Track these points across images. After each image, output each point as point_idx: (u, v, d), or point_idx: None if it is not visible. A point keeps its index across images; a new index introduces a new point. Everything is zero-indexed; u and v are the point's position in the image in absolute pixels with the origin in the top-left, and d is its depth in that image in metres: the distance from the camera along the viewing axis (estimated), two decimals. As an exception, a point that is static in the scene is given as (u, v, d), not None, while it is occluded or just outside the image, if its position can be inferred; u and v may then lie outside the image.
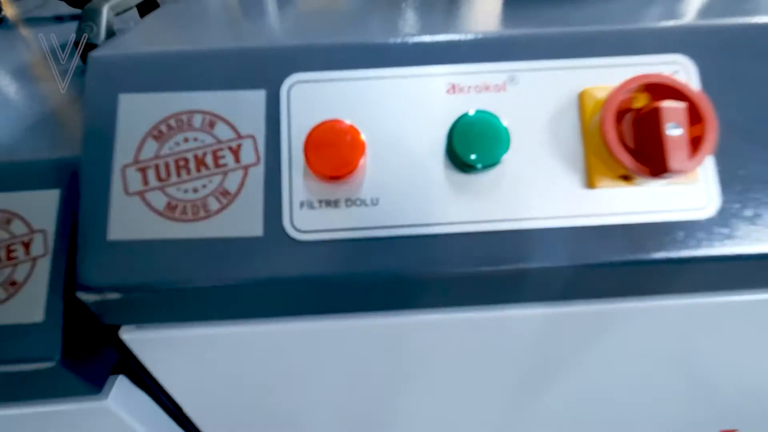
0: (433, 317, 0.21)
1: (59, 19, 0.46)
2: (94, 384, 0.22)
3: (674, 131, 0.16)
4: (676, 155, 0.16)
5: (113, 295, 0.18)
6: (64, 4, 0.45)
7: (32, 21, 0.45)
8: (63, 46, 0.38)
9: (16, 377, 0.21)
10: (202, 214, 0.18)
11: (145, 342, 0.21)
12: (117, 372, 0.25)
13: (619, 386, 0.27)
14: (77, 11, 0.46)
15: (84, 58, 0.31)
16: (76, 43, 0.30)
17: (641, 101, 0.18)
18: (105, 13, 0.31)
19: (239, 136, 0.19)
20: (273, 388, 0.25)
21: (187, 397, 0.26)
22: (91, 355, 0.22)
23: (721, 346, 0.24)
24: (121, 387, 0.25)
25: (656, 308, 0.21)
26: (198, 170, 0.18)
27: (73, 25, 0.43)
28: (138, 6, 0.38)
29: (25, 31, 0.42)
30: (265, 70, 0.19)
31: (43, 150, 0.24)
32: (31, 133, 0.25)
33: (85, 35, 0.30)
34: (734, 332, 0.23)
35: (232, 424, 0.29)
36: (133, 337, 0.21)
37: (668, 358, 0.25)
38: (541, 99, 0.19)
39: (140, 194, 0.18)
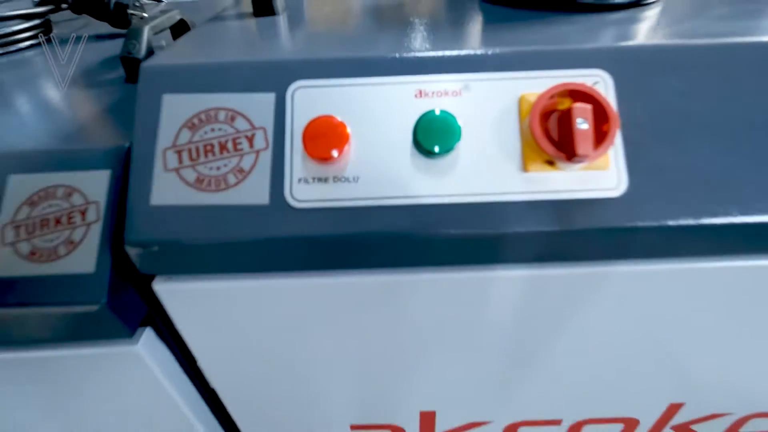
0: (407, 276, 0.26)
1: (100, 37, 0.53)
2: (129, 328, 0.27)
3: (582, 125, 0.21)
4: (583, 144, 0.21)
5: (152, 248, 0.24)
6: (104, 24, 0.52)
7: (77, 39, 0.52)
8: (105, 60, 0.44)
9: (69, 318, 0.26)
10: (222, 186, 0.23)
11: (172, 292, 0.26)
12: (144, 325, 0.30)
13: (562, 356, 0.31)
14: (115, 30, 0.53)
15: (126, 68, 0.37)
16: (121, 57, 0.37)
17: (566, 104, 0.23)
18: (146, 32, 0.37)
19: (253, 128, 0.24)
20: (280, 343, 0.30)
21: (203, 350, 0.30)
22: (127, 305, 0.27)
23: (653, 316, 0.29)
24: (148, 337, 0.30)
25: (586, 275, 0.26)
26: (221, 153, 0.24)
27: (109, 43, 0.50)
28: (171, 27, 0.45)
29: (71, 47, 0.49)
30: (275, 78, 0.24)
31: (96, 140, 0.29)
32: (85, 128, 0.31)
33: (130, 56, 0.37)
34: (663, 301, 0.28)
35: (243, 382, 0.34)
36: (163, 287, 0.26)
37: (610, 328, 0.30)
38: (489, 102, 0.24)
39: (176, 170, 0.24)
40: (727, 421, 0.38)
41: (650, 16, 0.31)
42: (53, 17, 0.55)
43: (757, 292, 0.27)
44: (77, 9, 0.52)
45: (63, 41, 0.51)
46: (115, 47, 0.48)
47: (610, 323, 0.29)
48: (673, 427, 0.39)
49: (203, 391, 0.36)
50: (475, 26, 0.31)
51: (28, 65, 0.44)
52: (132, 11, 0.50)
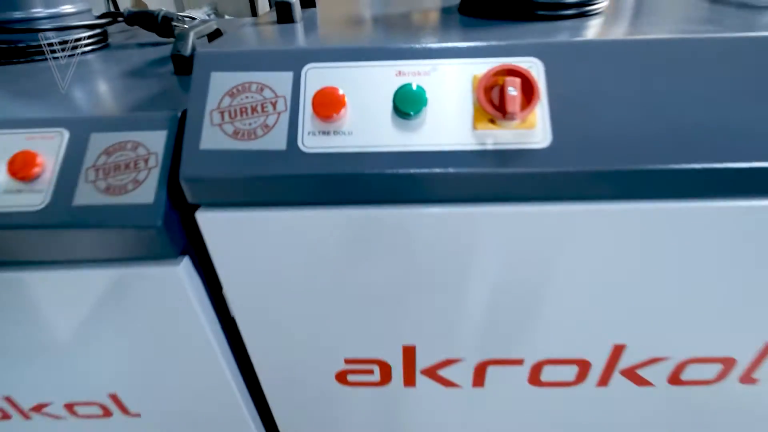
0: (389, 211, 0.34)
1: (142, 45, 0.63)
2: (174, 250, 0.36)
3: (512, 92, 0.29)
4: (512, 105, 0.29)
5: (199, 182, 0.32)
6: (150, 34, 0.62)
7: (126, 46, 0.62)
8: (155, 60, 0.54)
9: (133, 238, 0.34)
10: (252, 137, 0.32)
11: (210, 220, 0.34)
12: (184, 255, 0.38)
13: (517, 296, 0.38)
14: (159, 39, 0.64)
15: (175, 64, 0.47)
16: (172, 55, 0.46)
17: (503, 80, 0.31)
18: (191, 36, 0.47)
19: (276, 96, 0.33)
20: (292, 270, 0.38)
21: (228, 276, 0.38)
22: (174, 232, 0.35)
23: (587, 257, 0.36)
24: (187, 264, 0.38)
25: (527, 213, 0.33)
26: (252, 113, 0.33)
27: (153, 49, 0.60)
28: (207, 35, 0.54)
29: (123, 52, 0.59)
30: (293, 61, 0.33)
31: (154, 111, 0.38)
32: (146, 103, 0.40)
33: (179, 54, 0.46)
34: (592, 241, 0.35)
35: (259, 309, 0.41)
36: (204, 216, 0.34)
37: (553, 268, 0.37)
38: (450, 80, 0.32)
39: (219, 125, 0.32)
40: (668, 366, 0.44)
41: (588, 24, 0.40)
42: (109, 28, 0.66)
43: (674, 233, 0.34)
44: (131, 22, 0.63)
45: (116, 47, 0.62)
46: (158, 52, 0.58)
47: (552, 263, 0.36)
48: (621, 372, 0.45)
49: (223, 321, 0.44)
50: (449, 29, 0.40)
51: (93, 64, 0.54)
52: (175, 23, 0.60)
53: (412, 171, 0.31)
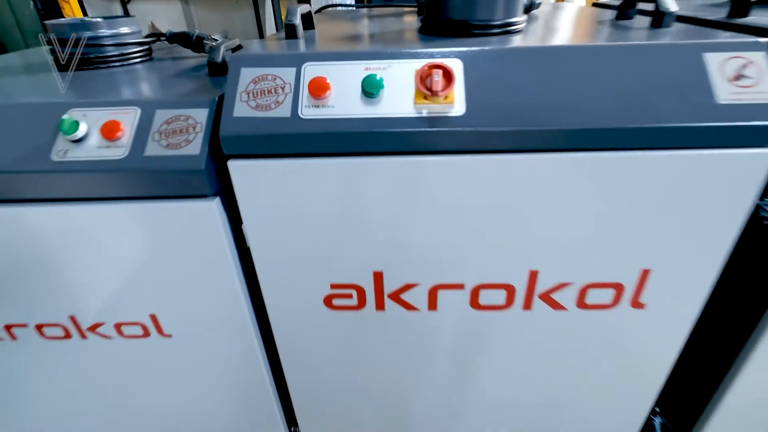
0: (360, 160, 0.49)
1: (179, 58, 0.81)
2: (211, 189, 0.51)
3: (436, 78, 0.46)
4: (435, 86, 0.45)
5: (232, 138, 0.48)
6: (186, 50, 0.80)
7: (168, 59, 0.80)
8: (193, 67, 0.71)
9: (183, 180, 0.50)
10: (268, 109, 0.48)
11: (238, 167, 0.50)
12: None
13: (452, 229, 0.53)
14: (193, 54, 0.81)
15: (210, 68, 0.64)
16: (208, 62, 0.63)
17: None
18: (222, 49, 0.64)
19: (284, 83, 0.49)
20: (300, 210, 0.53)
21: (250, 214, 0.54)
22: (211, 177, 0.51)
23: (504, 196, 0.51)
24: (218, 202, 0.53)
25: (450, 161, 0.49)
26: (268, 94, 0.49)
27: (188, 61, 0.77)
28: (232, 48, 0.72)
29: (166, 62, 0.76)
30: (296, 61, 0.50)
31: (198, 96, 0.55)
32: (192, 92, 0.56)
33: (213, 61, 0.63)
34: (503, 185, 0.50)
35: (272, 241, 0.56)
36: (234, 164, 0.50)
37: (482, 205, 0.52)
38: (400, 73, 0.49)
39: (246, 101, 0.49)
40: (573, 291, 0.59)
41: (506, 38, 0.56)
42: (154, 45, 0.83)
43: (559, 178, 0.50)
44: (171, 41, 0.80)
45: (159, 59, 0.79)
46: (193, 63, 0.75)
47: (475, 201, 0.52)
48: (539, 296, 0.60)
49: (240, 253, 0.59)
50: (407, 42, 0.57)
51: (146, 70, 0.71)
52: (206, 41, 0.78)
53: (373, 130, 0.47)
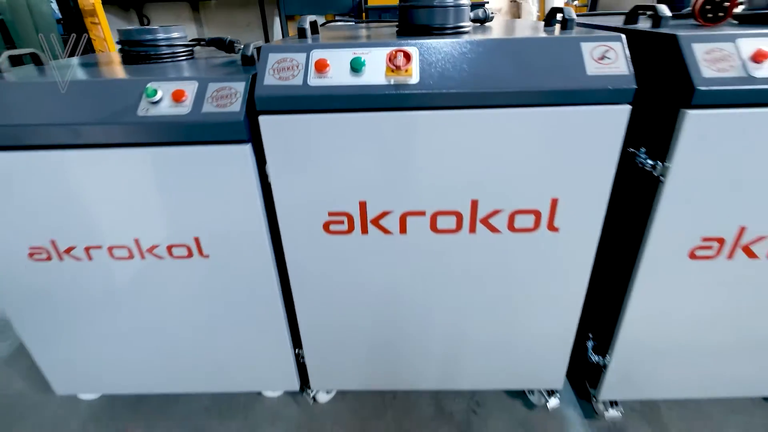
0: (352, 115, 0.72)
1: (214, 56, 1.05)
2: (247, 136, 0.74)
3: (399, 58, 0.69)
4: (399, 63, 0.69)
5: (263, 99, 0.71)
6: (216, 51, 1.04)
7: (206, 57, 1.04)
8: (226, 62, 0.95)
9: (227, 128, 0.73)
10: (287, 79, 0.72)
11: (267, 120, 0.73)
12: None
13: (416, 169, 0.76)
14: (225, 54, 1.05)
15: (243, 60, 0.88)
16: (242, 55, 0.87)
17: (392, 54, 0.71)
18: (252, 47, 0.88)
19: (298, 63, 0.73)
20: (311, 154, 0.76)
21: (274, 160, 0.76)
22: (247, 127, 0.74)
23: (450, 143, 0.74)
24: (250, 147, 0.76)
25: (408, 116, 0.72)
26: (287, 70, 0.72)
27: (222, 58, 1.02)
28: (256, 48, 0.96)
29: (205, 59, 1.00)
30: (305, 49, 0.74)
31: (236, 75, 0.78)
32: (230, 75, 0.80)
33: (245, 54, 0.87)
34: (451, 133, 0.73)
35: (286, 183, 0.78)
36: (263, 118, 0.73)
37: (430, 149, 0.75)
38: (377, 57, 0.72)
39: (272, 75, 0.72)
40: (504, 216, 0.80)
41: (456, 36, 0.80)
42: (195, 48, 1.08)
43: (484, 127, 0.72)
44: (209, 44, 1.05)
45: (199, 57, 1.03)
46: (226, 60, 0.99)
47: (428, 144, 0.74)
48: (480, 221, 0.81)
49: (264, 188, 0.81)
50: (386, 38, 0.81)
51: (191, 64, 0.95)
52: (236, 44, 1.03)
53: (357, 94, 0.70)
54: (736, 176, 0.73)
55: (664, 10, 0.82)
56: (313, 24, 0.95)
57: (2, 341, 1.42)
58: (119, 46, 0.98)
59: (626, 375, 1.00)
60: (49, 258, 0.88)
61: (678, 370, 1.00)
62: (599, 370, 1.02)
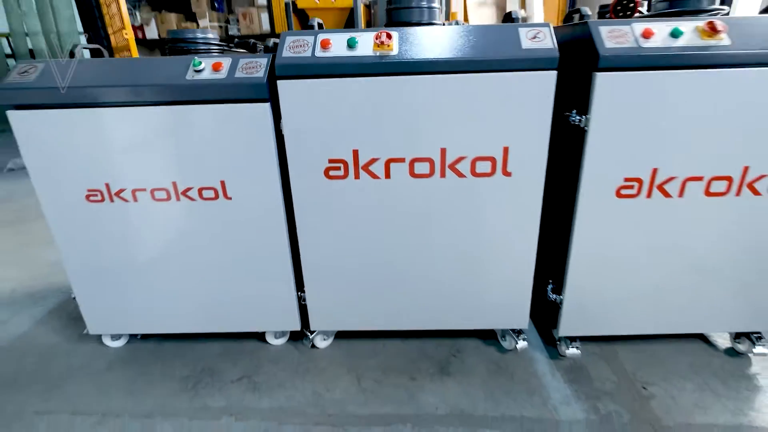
0: (350, 79, 0.96)
1: (239, 53, 1.31)
2: (267, 95, 0.97)
3: (384, 36, 0.94)
4: (383, 39, 0.93)
5: (282, 66, 0.95)
6: (239, 50, 1.31)
7: (234, 53, 1.30)
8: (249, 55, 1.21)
9: (253, 89, 0.96)
10: (300, 52, 0.96)
11: (284, 85, 0.97)
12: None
13: (400, 130, 0.99)
14: (249, 54, 1.32)
15: (265, 49, 1.13)
16: (264, 47, 1.13)
17: (381, 36, 0.96)
18: (272, 41, 1.14)
19: (308, 42, 0.98)
20: (316, 112, 0.99)
21: (288, 116, 0.99)
22: (268, 89, 0.97)
23: (426, 100, 0.97)
24: (269, 106, 0.99)
25: (393, 80, 0.95)
26: (299, 47, 0.97)
27: (246, 55, 1.28)
28: (273, 42, 1.22)
29: (235, 53, 1.26)
30: (312, 34, 0.99)
31: (262, 56, 1.03)
32: (258, 56, 1.05)
33: (267, 45, 1.13)
34: (434, 93, 0.96)
35: (296, 135, 1.01)
36: (282, 83, 0.97)
37: (411, 107, 0.98)
38: (367, 38, 0.97)
39: (289, 49, 0.97)
40: (468, 162, 1.02)
41: (428, 27, 1.05)
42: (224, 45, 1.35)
43: (454, 88, 0.96)
44: (237, 46, 1.32)
45: (229, 54, 1.30)
46: (251, 56, 1.25)
47: (412, 106, 0.97)
48: (449, 167, 1.03)
49: (278, 141, 1.03)
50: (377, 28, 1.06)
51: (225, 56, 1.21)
52: (258, 46, 1.29)
53: (352, 62, 0.94)
54: (642, 125, 0.95)
55: (587, 10, 1.08)
56: (320, 25, 1.22)
57: (38, 306, 1.60)
58: (168, 47, 1.25)
59: (579, 311, 1.17)
60: (102, 199, 1.09)
61: (623, 306, 1.17)
62: (557, 310, 1.19)
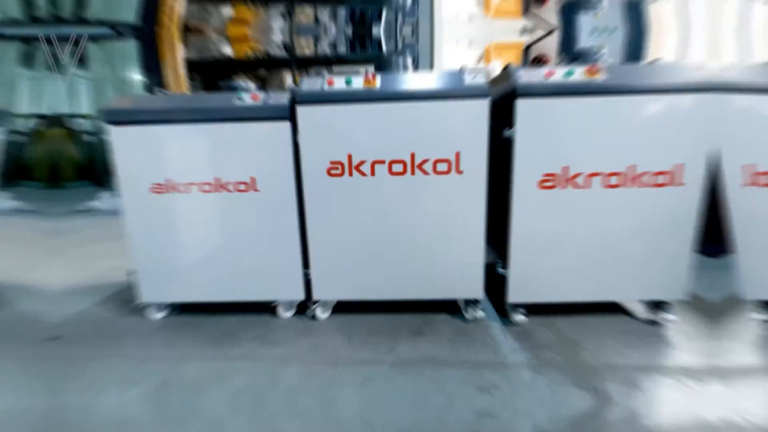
0: (350, 105, 1.38)
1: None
2: (287, 116, 1.39)
3: (370, 76, 1.37)
4: (370, 78, 1.37)
5: (301, 95, 1.39)
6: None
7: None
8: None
9: (278, 111, 1.39)
10: (311, 88, 1.40)
11: (301, 109, 1.39)
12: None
13: (396, 126, 1.39)
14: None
15: (289, 91, 1.58)
16: (287, 88, 1.57)
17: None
18: (291, 86, 1.59)
19: (318, 81, 1.42)
20: (324, 131, 1.40)
21: (302, 129, 1.41)
22: (289, 111, 1.39)
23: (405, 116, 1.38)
24: (290, 123, 1.41)
25: (386, 106, 1.37)
26: (312, 85, 1.41)
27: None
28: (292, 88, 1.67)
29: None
30: (322, 76, 1.43)
31: (286, 91, 1.47)
32: (280, 96, 1.49)
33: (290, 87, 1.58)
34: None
35: (311, 147, 1.42)
36: (300, 108, 1.39)
37: (390, 125, 1.38)
38: (359, 79, 1.41)
39: (305, 87, 1.41)
40: (430, 163, 1.41)
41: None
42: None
43: (410, 114, 1.37)
44: (261, 85, 1.78)
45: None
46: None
47: (387, 119, 1.38)
48: (417, 166, 1.41)
49: (294, 152, 1.43)
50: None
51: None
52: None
53: (350, 97, 1.37)
54: (552, 135, 1.35)
55: (514, 63, 1.52)
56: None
57: (97, 294, 1.95)
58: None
59: (522, 282, 1.48)
60: (161, 191, 1.48)
61: (556, 277, 1.48)
62: (505, 282, 1.51)
